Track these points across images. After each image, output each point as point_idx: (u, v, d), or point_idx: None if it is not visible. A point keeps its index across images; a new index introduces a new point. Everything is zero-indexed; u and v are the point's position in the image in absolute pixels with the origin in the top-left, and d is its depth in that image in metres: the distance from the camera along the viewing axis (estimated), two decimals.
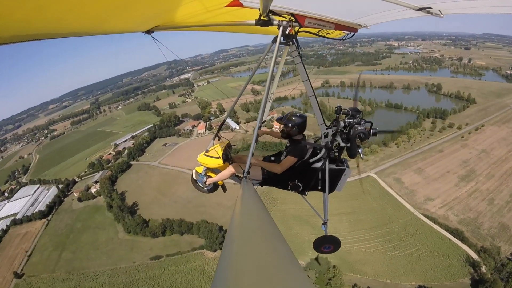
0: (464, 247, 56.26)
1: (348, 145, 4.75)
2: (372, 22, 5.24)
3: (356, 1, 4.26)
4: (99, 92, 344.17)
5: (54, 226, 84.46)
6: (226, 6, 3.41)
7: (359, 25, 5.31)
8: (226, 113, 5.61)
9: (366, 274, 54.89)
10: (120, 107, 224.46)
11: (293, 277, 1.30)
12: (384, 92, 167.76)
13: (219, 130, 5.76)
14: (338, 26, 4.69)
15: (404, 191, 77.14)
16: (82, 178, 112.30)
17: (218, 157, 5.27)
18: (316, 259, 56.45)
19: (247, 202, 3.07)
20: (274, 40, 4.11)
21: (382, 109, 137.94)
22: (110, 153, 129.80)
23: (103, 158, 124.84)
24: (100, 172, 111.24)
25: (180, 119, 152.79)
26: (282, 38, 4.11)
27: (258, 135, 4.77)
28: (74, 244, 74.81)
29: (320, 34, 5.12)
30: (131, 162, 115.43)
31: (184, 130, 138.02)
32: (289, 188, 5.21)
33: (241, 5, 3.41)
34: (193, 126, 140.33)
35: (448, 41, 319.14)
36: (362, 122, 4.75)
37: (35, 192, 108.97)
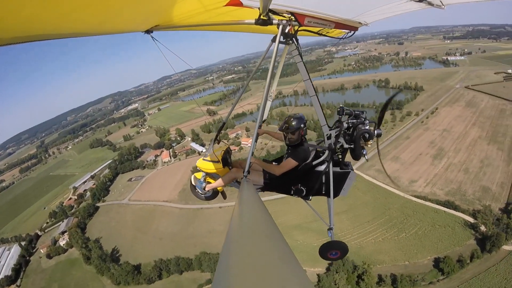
0: (459, 214, 65.87)
1: (352, 146, 4.99)
2: (373, 19, 5.63)
3: None
4: (43, 134, 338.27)
5: None
6: (226, 5, 3.63)
7: (359, 23, 5.67)
8: (225, 117, 6.55)
9: (384, 262, 60.02)
10: (70, 147, 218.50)
11: (293, 277, 1.35)
12: (337, 94, 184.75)
13: (218, 134, 6.06)
14: (338, 25, 4.93)
15: (388, 179, 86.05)
16: (45, 231, 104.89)
17: (218, 161, 5.46)
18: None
19: (247, 202, 3.20)
20: (274, 39, 4.31)
21: None
22: (71, 198, 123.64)
23: (64, 204, 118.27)
24: (65, 221, 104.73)
25: (140, 150, 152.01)
26: (282, 37, 4.32)
27: (258, 134, 5.03)
28: None
29: (320, 33, 5.47)
30: (98, 204, 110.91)
31: (148, 161, 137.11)
32: (292, 193, 5.32)
33: (241, 4, 3.63)
34: (156, 156, 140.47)
35: (381, 39, 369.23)
36: (366, 122, 4.99)
37: None
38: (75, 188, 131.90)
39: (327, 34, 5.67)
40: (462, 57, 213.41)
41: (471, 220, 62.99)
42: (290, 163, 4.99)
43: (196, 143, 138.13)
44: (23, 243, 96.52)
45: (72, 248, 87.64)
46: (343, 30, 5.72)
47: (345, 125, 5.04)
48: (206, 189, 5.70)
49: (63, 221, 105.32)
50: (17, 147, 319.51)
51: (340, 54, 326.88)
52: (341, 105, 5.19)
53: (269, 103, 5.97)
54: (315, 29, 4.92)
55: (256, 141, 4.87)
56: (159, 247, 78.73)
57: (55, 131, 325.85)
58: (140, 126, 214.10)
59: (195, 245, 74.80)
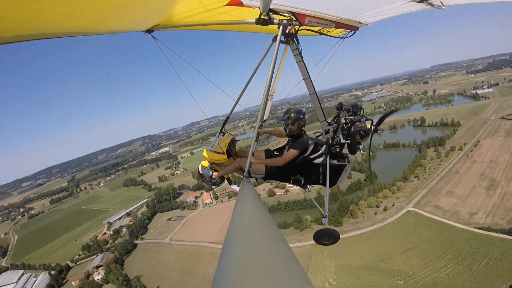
0: None
1: (349, 141, 5.21)
2: (373, 18, 5.89)
3: None
4: (74, 170, 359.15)
5: None
6: (226, 5, 3.82)
7: (360, 22, 5.93)
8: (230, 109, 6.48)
9: None
10: (102, 184, 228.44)
11: (293, 277, 1.38)
12: (374, 137, 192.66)
13: (223, 126, 6.54)
14: (338, 25, 5.17)
15: (448, 214, 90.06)
16: (77, 263, 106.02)
17: (223, 153, 5.90)
18: None
19: (247, 202, 3.33)
20: (275, 39, 4.46)
21: (381, 150, 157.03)
22: (105, 233, 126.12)
23: (99, 238, 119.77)
24: (100, 255, 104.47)
25: (178, 191, 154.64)
26: (283, 36, 4.52)
27: (258, 134, 5.41)
28: None
29: (321, 32, 5.73)
30: (136, 242, 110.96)
31: (187, 201, 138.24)
32: (291, 182, 5.71)
33: (241, 4, 3.82)
34: (196, 197, 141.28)
35: (405, 80, 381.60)
36: (363, 120, 5.16)
37: (19, 279, 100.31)
38: (110, 224, 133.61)
39: (327, 34, 6.02)
40: (490, 89, 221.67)
41: None
42: (291, 153, 5.38)
43: (238, 186, 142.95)
44: (52, 272, 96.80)
45: (107, 284, 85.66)
46: (344, 30, 6.00)
47: (343, 121, 5.27)
48: (213, 177, 6.31)
49: (97, 255, 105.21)
50: (47, 179, 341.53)
51: (367, 97, 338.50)
52: (340, 101, 5.37)
53: (269, 103, 6.31)
54: (316, 29, 5.11)
55: (256, 141, 5.23)
56: None
57: (86, 168, 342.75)
58: (174, 168, 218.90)
59: None
